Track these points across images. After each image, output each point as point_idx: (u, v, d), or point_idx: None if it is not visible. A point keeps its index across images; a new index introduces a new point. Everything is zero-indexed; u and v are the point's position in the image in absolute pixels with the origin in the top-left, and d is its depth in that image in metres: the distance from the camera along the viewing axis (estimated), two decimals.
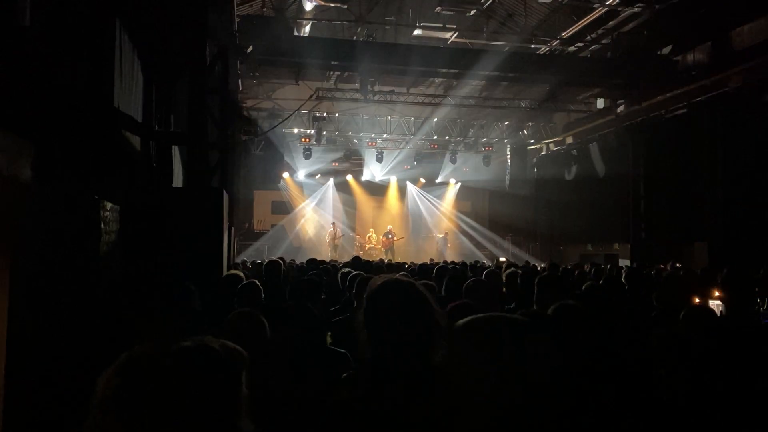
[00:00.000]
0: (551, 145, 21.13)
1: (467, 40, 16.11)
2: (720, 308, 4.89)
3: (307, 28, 15.53)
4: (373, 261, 10.95)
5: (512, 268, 8.07)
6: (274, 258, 8.42)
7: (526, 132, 22.01)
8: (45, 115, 3.96)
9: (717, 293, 5.94)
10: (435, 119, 21.08)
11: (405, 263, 12.20)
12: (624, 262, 14.54)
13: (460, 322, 1.65)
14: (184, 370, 1.66)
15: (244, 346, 2.75)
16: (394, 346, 1.81)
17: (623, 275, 5.57)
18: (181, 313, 2.91)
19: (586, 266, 10.25)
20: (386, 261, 15.44)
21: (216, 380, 1.67)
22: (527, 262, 12.94)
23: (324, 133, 20.35)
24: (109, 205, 5.08)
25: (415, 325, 1.82)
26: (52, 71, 3.83)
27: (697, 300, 5.60)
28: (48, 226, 4.22)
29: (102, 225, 4.62)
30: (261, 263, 9.83)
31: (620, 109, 17.16)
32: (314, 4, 14.32)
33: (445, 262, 12.16)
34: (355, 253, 20.12)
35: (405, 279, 1.95)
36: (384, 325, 1.83)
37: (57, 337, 3.80)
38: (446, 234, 23.57)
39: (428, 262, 11.81)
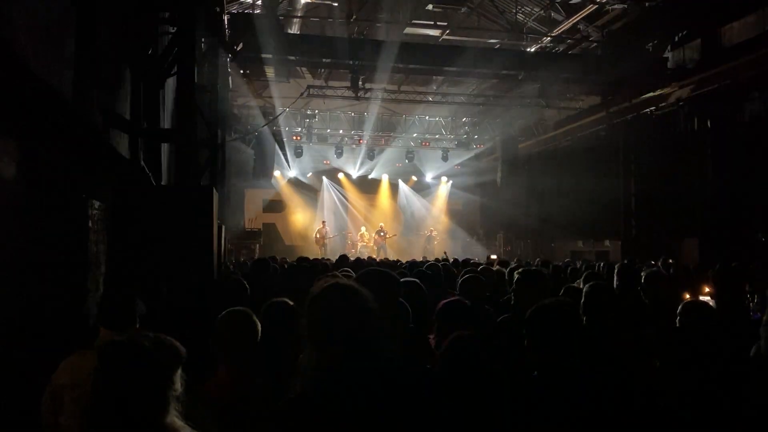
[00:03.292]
0: (542, 143, 21.15)
1: (458, 38, 16.10)
2: (711, 304, 4.90)
3: (298, 26, 15.48)
4: (364, 259, 10.92)
5: (498, 266, 8.08)
6: (263, 257, 8.38)
7: (516, 129, 22.04)
8: (30, 115, 3.91)
9: (707, 289, 5.96)
10: (426, 117, 21.06)
11: (398, 260, 12.18)
12: (615, 259, 14.57)
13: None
14: (106, 362, 1.73)
15: (235, 345, 2.74)
16: (334, 352, 1.77)
17: (615, 272, 5.55)
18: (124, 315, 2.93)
19: (577, 263, 10.26)
20: (378, 258, 15.44)
21: (135, 373, 1.71)
22: (518, 259, 12.94)
23: (315, 130, 20.29)
24: (96, 204, 5.03)
25: (354, 330, 1.77)
26: (37, 71, 3.78)
27: (688, 296, 5.61)
28: (34, 225, 4.17)
29: (89, 224, 4.58)
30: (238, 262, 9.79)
31: (610, 106, 17.20)
32: (305, 1, 14.28)
33: (437, 259, 12.15)
34: (346, 252, 20.10)
35: (345, 282, 1.90)
36: (322, 332, 1.80)
37: (41, 335, 3.75)
38: (431, 231, 23.55)
39: (419, 260, 11.80)
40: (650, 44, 15.12)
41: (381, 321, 1.85)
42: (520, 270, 4.20)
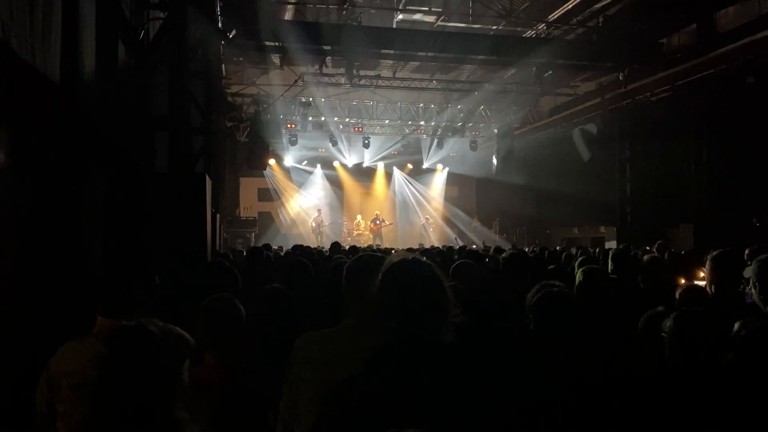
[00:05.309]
0: (538, 129, 21.12)
1: (453, 24, 15.99)
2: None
3: (291, 13, 15.34)
4: (359, 247, 10.91)
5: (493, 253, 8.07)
6: (258, 246, 8.36)
7: (512, 116, 21.99)
8: (19, 102, 3.85)
9: (702, 274, 5.96)
10: (422, 104, 20.97)
11: (393, 249, 12.18)
12: (610, 245, 14.60)
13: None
14: (117, 349, 1.69)
15: (221, 332, 2.72)
16: (408, 323, 1.77)
17: (609, 257, 5.55)
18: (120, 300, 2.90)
19: (572, 249, 10.28)
20: (374, 247, 15.45)
21: (147, 362, 1.67)
22: (514, 246, 12.97)
23: (310, 118, 20.18)
24: (90, 191, 4.98)
25: (430, 304, 1.80)
26: (24, 55, 3.72)
27: (683, 281, 5.62)
28: (27, 214, 4.13)
29: (82, 211, 4.53)
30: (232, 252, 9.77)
31: (606, 92, 17.17)
32: None
33: (432, 247, 12.16)
34: (342, 240, 20.09)
35: (422, 259, 1.93)
36: (400, 301, 1.79)
37: (31, 325, 3.72)
38: (428, 218, 23.57)
39: (415, 248, 11.79)
40: (645, 29, 15.04)
41: (450, 300, 1.86)
42: (504, 255, 4.19)
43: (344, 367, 1.83)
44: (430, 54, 15.18)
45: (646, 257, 5.18)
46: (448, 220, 24.44)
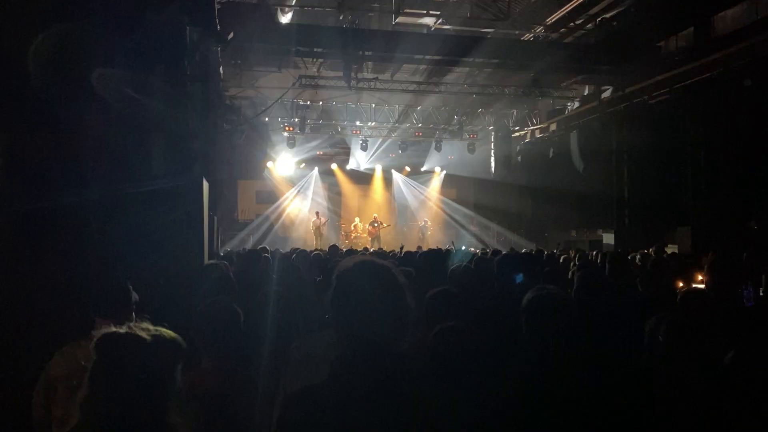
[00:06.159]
0: (536, 132, 21.14)
1: (450, 27, 16.01)
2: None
3: (289, 15, 15.35)
4: (357, 250, 10.90)
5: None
6: (255, 249, 8.34)
7: (510, 119, 22.01)
8: (10, 105, 3.84)
9: (700, 277, 5.96)
10: (419, 107, 20.99)
11: (391, 251, 12.16)
12: (608, 248, 14.59)
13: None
14: (104, 355, 1.67)
15: (218, 336, 2.71)
16: (360, 329, 1.70)
17: (606, 260, 5.54)
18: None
19: (571, 252, 10.28)
20: (372, 249, 15.43)
21: (134, 367, 1.66)
22: (512, 249, 12.96)
23: (308, 121, 20.18)
24: (85, 195, 4.96)
25: (384, 309, 1.71)
26: (17, 58, 3.71)
27: (681, 284, 5.61)
28: (23, 217, 4.11)
29: (76, 215, 4.51)
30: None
31: (604, 95, 17.19)
32: None
33: (430, 249, 12.14)
34: (340, 242, 20.08)
35: (378, 261, 1.84)
36: (351, 306, 1.72)
37: (30, 329, 3.70)
38: (426, 221, 23.57)
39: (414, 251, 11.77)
40: (643, 32, 15.06)
41: (408, 304, 1.78)
42: (501, 255, 4.18)
43: None
44: (427, 57, 15.21)
45: (651, 259, 5.18)
46: (446, 223, 24.42)
